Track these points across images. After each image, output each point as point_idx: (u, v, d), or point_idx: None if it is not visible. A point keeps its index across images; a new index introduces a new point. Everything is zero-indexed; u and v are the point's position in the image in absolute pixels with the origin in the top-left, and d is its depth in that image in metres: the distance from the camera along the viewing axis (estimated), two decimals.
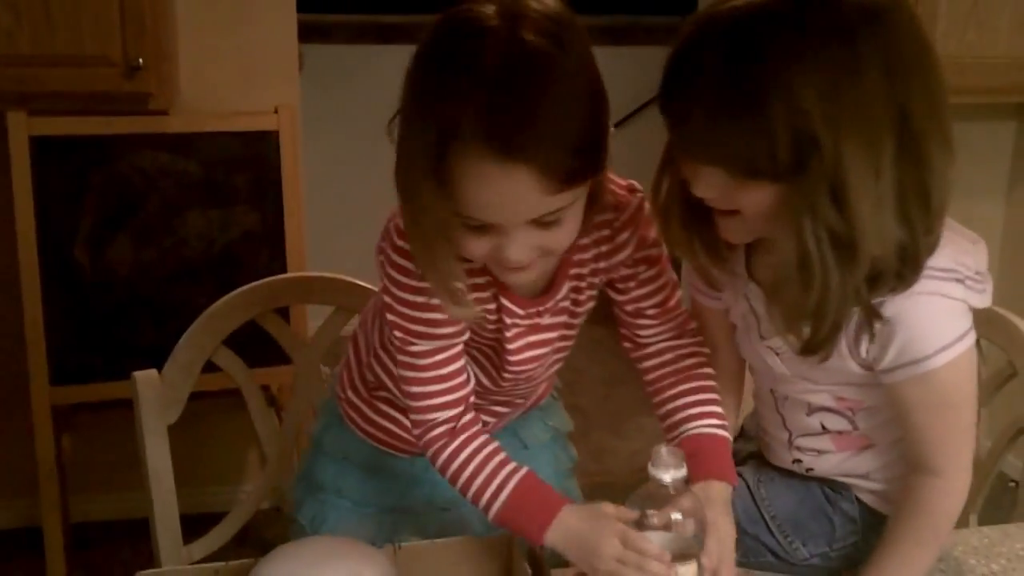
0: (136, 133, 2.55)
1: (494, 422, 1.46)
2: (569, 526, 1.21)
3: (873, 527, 1.36)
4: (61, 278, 2.55)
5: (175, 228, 2.58)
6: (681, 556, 1.14)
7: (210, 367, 1.65)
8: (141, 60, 2.35)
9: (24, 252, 2.46)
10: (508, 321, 1.31)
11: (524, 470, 1.28)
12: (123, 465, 2.90)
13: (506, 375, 1.37)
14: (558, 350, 1.41)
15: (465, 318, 1.25)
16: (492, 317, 1.30)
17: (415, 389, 1.29)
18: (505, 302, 1.29)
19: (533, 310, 1.31)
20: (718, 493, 1.26)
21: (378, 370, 1.44)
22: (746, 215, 1.15)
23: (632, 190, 1.31)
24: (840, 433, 1.36)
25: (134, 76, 2.38)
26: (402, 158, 1.12)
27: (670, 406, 1.37)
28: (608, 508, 1.20)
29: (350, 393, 1.50)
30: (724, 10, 1.09)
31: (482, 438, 1.30)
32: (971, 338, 1.19)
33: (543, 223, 1.13)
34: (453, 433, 1.29)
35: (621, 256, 1.32)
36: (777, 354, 1.29)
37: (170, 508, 1.66)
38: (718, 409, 1.33)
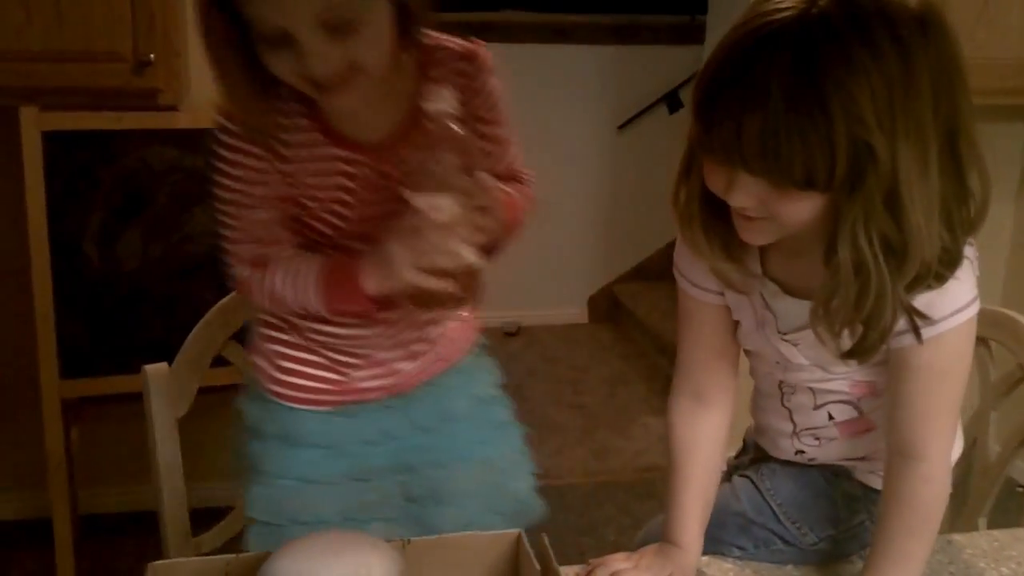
0: (145, 129, 2.55)
1: (395, 356, 1.48)
2: (371, 264, 1.29)
3: (875, 502, 1.37)
4: (71, 272, 2.56)
5: (184, 223, 2.60)
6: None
7: (219, 361, 1.66)
8: (151, 56, 2.37)
9: (35, 246, 2.47)
10: (351, 170, 1.34)
11: (319, 258, 1.36)
12: (131, 458, 2.91)
13: (349, 231, 1.39)
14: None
15: (257, 128, 1.30)
16: (335, 166, 1.34)
17: (232, 235, 1.38)
18: (344, 152, 1.34)
19: (376, 154, 1.34)
20: None
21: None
22: (780, 221, 1.14)
23: (477, 42, 1.40)
24: (845, 421, 1.38)
25: (144, 72, 2.40)
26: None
27: None
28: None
29: (256, 356, 1.52)
30: (778, 20, 1.06)
31: (287, 251, 1.38)
32: (978, 303, 1.21)
33: (336, 28, 1.18)
34: (263, 264, 1.37)
35: (476, 101, 1.40)
36: (795, 345, 1.30)
37: (179, 500, 1.67)
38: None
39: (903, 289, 1.13)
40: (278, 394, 1.50)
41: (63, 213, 2.53)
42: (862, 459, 1.42)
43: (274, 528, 1.49)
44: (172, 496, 1.66)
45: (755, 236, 1.19)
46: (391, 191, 1.35)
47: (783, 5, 1.07)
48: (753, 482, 1.46)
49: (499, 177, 1.46)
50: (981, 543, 1.41)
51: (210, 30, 1.21)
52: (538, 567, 1.17)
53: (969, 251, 1.18)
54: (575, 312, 5.00)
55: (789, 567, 1.36)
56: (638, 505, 3.27)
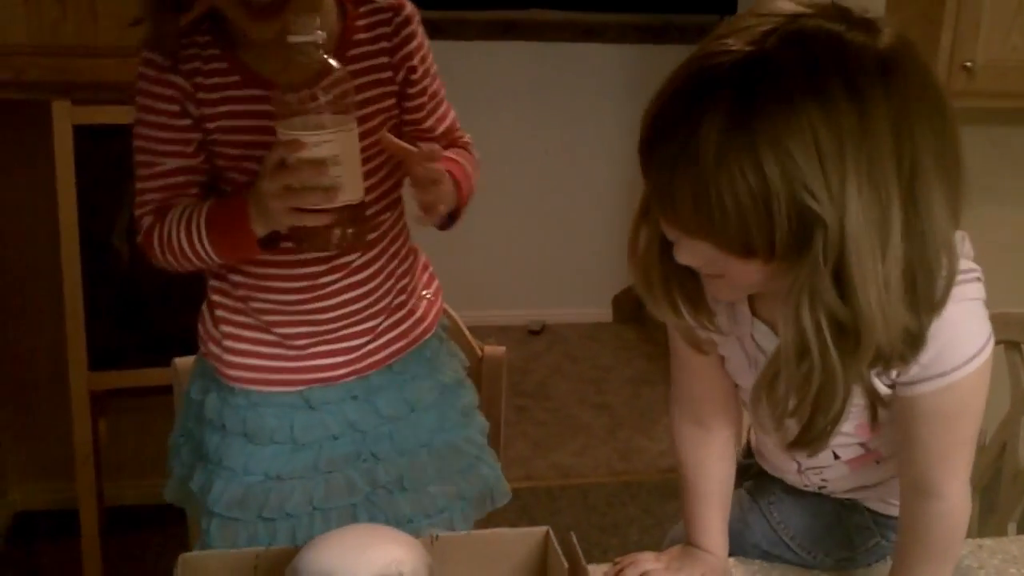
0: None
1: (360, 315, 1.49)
2: (251, 204, 1.29)
3: (889, 527, 1.36)
4: (100, 266, 2.57)
5: None
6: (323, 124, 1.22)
7: None
8: None
9: (66, 239, 2.49)
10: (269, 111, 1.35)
11: (210, 201, 1.37)
12: (158, 451, 2.93)
13: None
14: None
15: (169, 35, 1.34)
16: (254, 108, 1.36)
17: (140, 187, 1.41)
18: (260, 91, 1.35)
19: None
20: None
21: (225, 288, 1.51)
22: (735, 283, 1.06)
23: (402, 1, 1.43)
24: (852, 458, 1.33)
25: None
26: None
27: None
28: None
29: (208, 342, 1.53)
30: (721, 61, 0.96)
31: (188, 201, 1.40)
32: (992, 341, 1.12)
33: None
34: (162, 213, 1.40)
35: (407, 49, 1.43)
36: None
37: None
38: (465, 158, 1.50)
39: (864, 370, 1.03)
40: (234, 379, 1.50)
41: (93, 207, 2.54)
42: (873, 487, 1.38)
43: (238, 523, 1.49)
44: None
45: (721, 294, 1.11)
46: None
47: (730, 42, 0.96)
48: (763, 513, 1.45)
49: (441, 138, 1.50)
50: (1011, 548, 1.40)
51: None
52: (566, 565, 1.17)
53: (976, 289, 1.11)
54: (600, 311, 4.99)
55: (816, 571, 1.35)
56: (662, 505, 3.26)
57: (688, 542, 1.37)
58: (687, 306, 1.13)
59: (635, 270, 1.14)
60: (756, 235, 0.95)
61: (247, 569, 1.17)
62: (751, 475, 1.50)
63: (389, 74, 1.43)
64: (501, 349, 1.72)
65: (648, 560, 1.32)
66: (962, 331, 1.08)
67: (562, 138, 4.71)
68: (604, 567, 1.33)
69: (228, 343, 1.50)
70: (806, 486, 1.42)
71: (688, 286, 1.12)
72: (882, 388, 1.14)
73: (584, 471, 3.53)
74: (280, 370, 1.49)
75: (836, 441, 1.19)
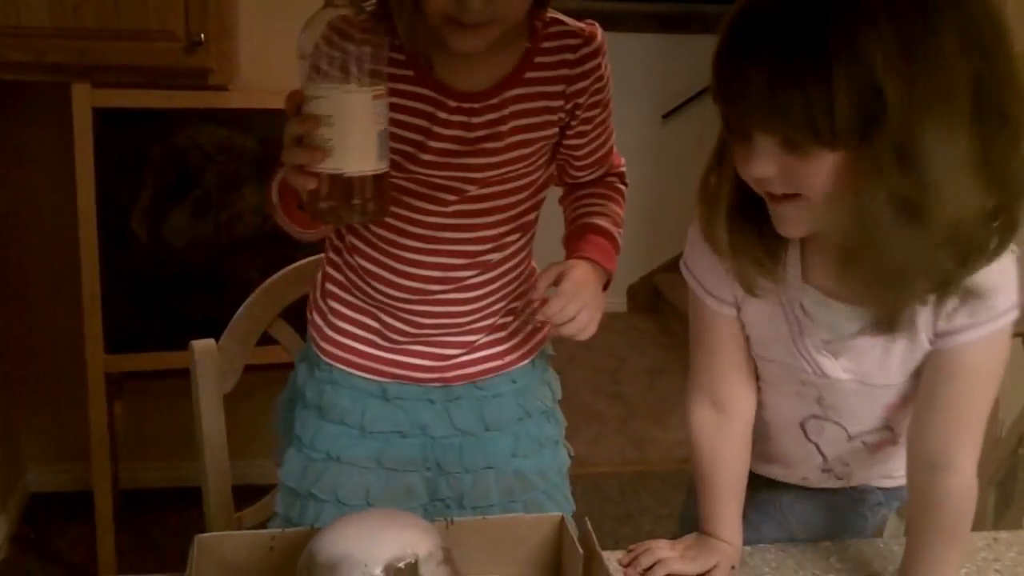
0: (195, 108, 2.58)
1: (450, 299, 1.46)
2: None
3: (895, 496, 1.41)
4: (118, 249, 2.59)
5: (232, 203, 2.62)
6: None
7: (266, 340, 1.67)
8: (202, 36, 2.38)
9: (84, 222, 2.50)
10: (438, 114, 1.35)
11: None
12: (172, 434, 2.96)
13: (420, 175, 1.38)
14: (501, 165, 1.39)
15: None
16: (418, 106, 1.34)
17: None
18: (431, 92, 1.34)
19: (467, 105, 1.34)
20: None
21: (340, 266, 1.49)
22: (807, 197, 1.08)
23: (594, 25, 1.41)
24: (879, 442, 1.37)
25: (195, 51, 2.42)
26: None
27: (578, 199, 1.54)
28: None
29: (314, 312, 1.53)
30: None
31: None
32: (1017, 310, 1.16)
33: None
34: None
35: (584, 83, 1.39)
36: (836, 358, 1.25)
37: (223, 476, 1.68)
38: (613, 210, 1.51)
39: (954, 263, 1.07)
40: (326, 352, 1.50)
41: (112, 190, 2.55)
42: (888, 476, 1.44)
43: (298, 498, 1.50)
44: (216, 471, 1.67)
45: (790, 224, 1.13)
46: (466, 144, 1.36)
47: None
48: (776, 521, 1.46)
49: (590, 167, 1.50)
50: None
51: None
52: (581, 551, 1.17)
53: (1014, 256, 1.14)
54: (614, 301, 4.98)
55: (833, 559, 1.35)
56: (675, 495, 3.26)
57: (702, 531, 1.36)
58: (747, 252, 1.18)
59: (701, 211, 1.20)
60: (820, 115, 0.99)
61: (262, 551, 1.17)
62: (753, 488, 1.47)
63: (560, 103, 1.40)
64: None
65: (663, 548, 1.32)
66: (1007, 280, 1.13)
67: None
68: (618, 554, 1.33)
69: (331, 317, 1.50)
70: (827, 471, 1.42)
71: (752, 236, 1.17)
72: (923, 344, 1.18)
73: (598, 460, 3.54)
74: (370, 357, 1.49)
75: (865, 428, 1.32)
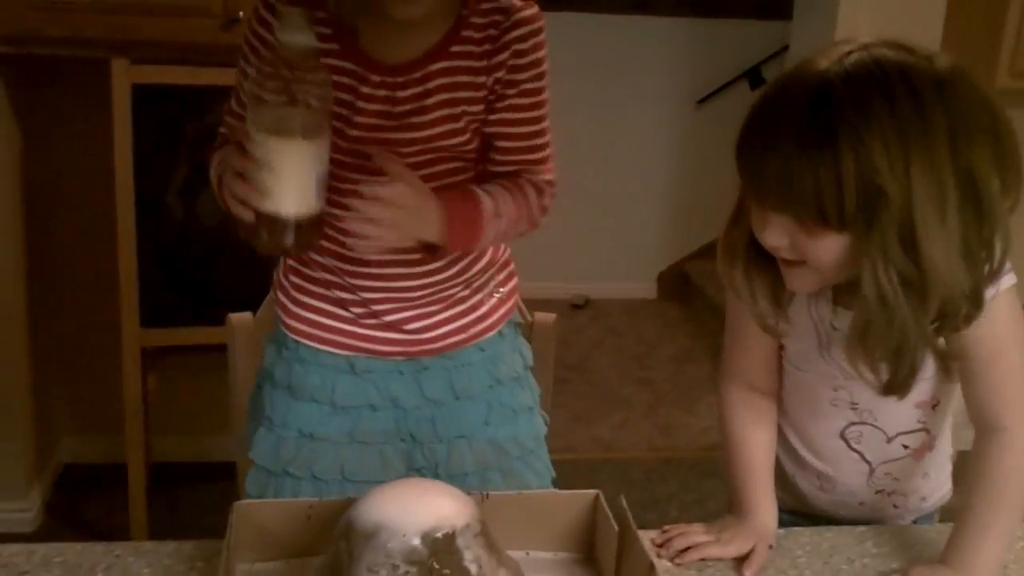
0: (231, 85, 2.58)
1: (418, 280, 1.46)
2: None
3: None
4: (154, 224, 2.61)
5: None
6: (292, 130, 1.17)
7: None
8: (240, 13, 2.40)
9: (121, 197, 2.52)
10: (362, 89, 1.34)
11: (232, 150, 1.31)
12: (205, 410, 2.98)
13: (350, 150, 1.38)
14: (430, 140, 1.38)
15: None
16: (343, 80, 1.34)
17: (227, 110, 1.45)
18: (354, 67, 1.33)
19: (390, 79, 1.33)
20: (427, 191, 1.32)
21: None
22: (814, 266, 1.20)
23: (529, 4, 1.37)
24: (917, 450, 1.42)
25: (232, 28, 2.44)
26: None
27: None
28: None
29: (278, 290, 1.54)
30: (807, 70, 1.15)
31: None
32: (1013, 273, 1.26)
33: None
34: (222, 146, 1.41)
35: (503, 56, 1.36)
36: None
37: None
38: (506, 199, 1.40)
39: (931, 330, 1.18)
40: (292, 328, 1.50)
41: (149, 165, 2.57)
42: (923, 476, 1.47)
43: (271, 476, 1.50)
44: (249, 440, 1.68)
45: (799, 284, 1.25)
46: (393, 118, 1.36)
47: (816, 61, 1.16)
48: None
49: (506, 163, 1.43)
50: None
51: None
52: (616, 528, 1.17)
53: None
54: (644, 287, 4.98)
55: (868, 544, 1.35)
56: (701, 483, 3.26)
57: (737, 514, 1.37)
58: (764, 297, 1.29)
59: (722, 259, 1.30)
60: (830, 204, 1.11)
61: (300, 519, 1.18)
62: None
63: (483, 78, 1.37)
64: (552, 316, 1.72)
65: (698, 532, 1.33)
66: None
67: (611, 112, 4.69)
68: (652, 533, 1.33)
69: (293, 293, 1.51)
70: (879, 492, 1.45)
71: (767, 282, 1.29)
72: (941, 342, 1.25)
73: (624, 446, 3.54)
74: (334, 330, 1.49)
75: (902, 429, 1.39)
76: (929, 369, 1.29)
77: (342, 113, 1.35)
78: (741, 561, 1.29)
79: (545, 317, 1.71)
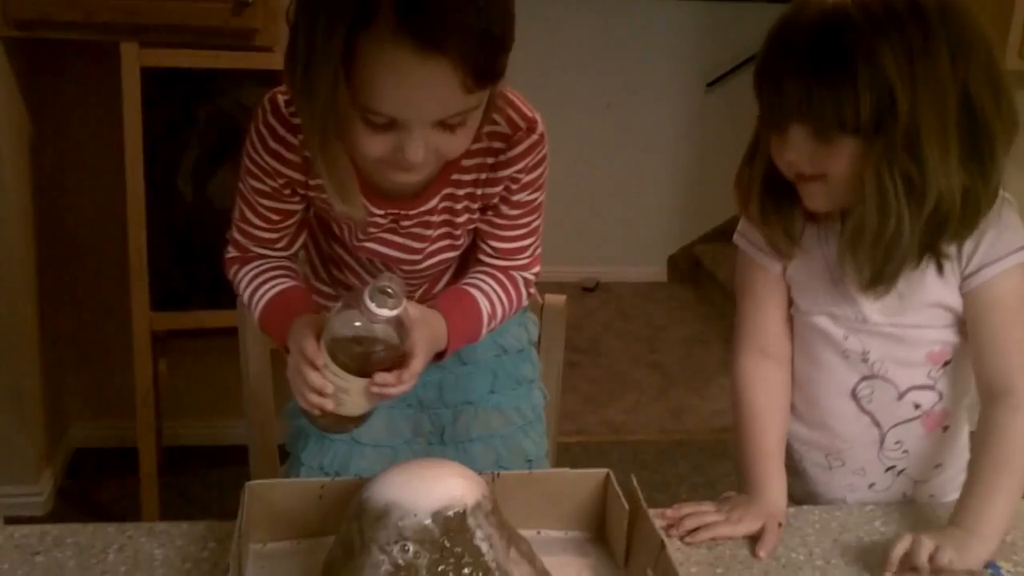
0: (241, 68, 2.58)
1: None
2: (295, 326, 1.26)
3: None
4: (164, 208, 2.61)
5: None
6: (360, 369, 1.19)
7: None
8: None
9: (131, 181, 2.52)
10: (368, 219, 1.35)
11: (284, 285, 1.39)
12: (216, 393, 2.99)
13: (356, 267, 1.45)
14: (430, 255, 1.42)
15: (351, 216, 1.29)
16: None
17: (238, 214, 1.41)
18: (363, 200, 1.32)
19: (393, 211, 1.33)
20: (436, 323, 1.31)
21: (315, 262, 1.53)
22: (830, 178, 1.28)
23: (531, 128, 1.34)
24: (928, 413, 1.43)
25: (242, 12, 2.44)
26: (301, 48, 1.12)
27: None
28: (322, 320, 1.23)
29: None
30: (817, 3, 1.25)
31: (269, 264, 1.42)
32: None
33: (447, 124, 1.16)
34: (246, 260, 1.43)
35: (496, 188, 1.37)
36: (873, 301, 1.38)
37: (268, 430, 1.70)
38: (488, 285, 1.42)
39: (931, 234, 1.28)
40: None
41: (159, 149, 2.57)
42: (936, 469, 1.47)
43: (300, 434, 1.55)
44: (262, 427, 1.69)
45: (816, 200, 1.33)
46: (398, 234, 1.38)
47: None
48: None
49: (496, 252, 1.44)
50: None
51: (328, 104, 1.14)
52: (627, 506, 1.17)
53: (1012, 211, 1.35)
54: (654, 270, 4.98)
55: (877, 522, 1.35)
56: (712, 465, 3.26)
57: (745, 489, 1.37)
58: (780, 227, 1.39)
59: (738, 195, 1.40)
60: (847, 111, 1.21)
61: (312, 498, 1.19)
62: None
63: (480, 191, 1.38)
64: (562, 298, 1.72)
65: (708, 512, 1.33)
66: (1012, 222, 1.34)
67: (621, 95, 4.68)
68: (665, 511, 1.33)
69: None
70: (890, 469, 1.46)
71: (781, 217, 1.38)
72: (953, 288, 1.35)
73: (635, 428, 3.54)
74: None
75: (914, 383, 1.41)
76: (941, 318, 1.37)
77: (346, 226, 1.37)
78: (751, 539, 1.29)
79: (555, 299, 1.71)
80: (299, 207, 1.39)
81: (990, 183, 1.29)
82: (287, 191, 1.35)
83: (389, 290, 1.14)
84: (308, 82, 1.12)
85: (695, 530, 1.30)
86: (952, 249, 1.32)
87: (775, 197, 1.37)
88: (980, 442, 1.34)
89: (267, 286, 1.40)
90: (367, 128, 1.15)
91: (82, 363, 3.05)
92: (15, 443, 2.76)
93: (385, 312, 1.14)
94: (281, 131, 1.30)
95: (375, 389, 1.19)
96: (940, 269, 1.33)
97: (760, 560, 1.26)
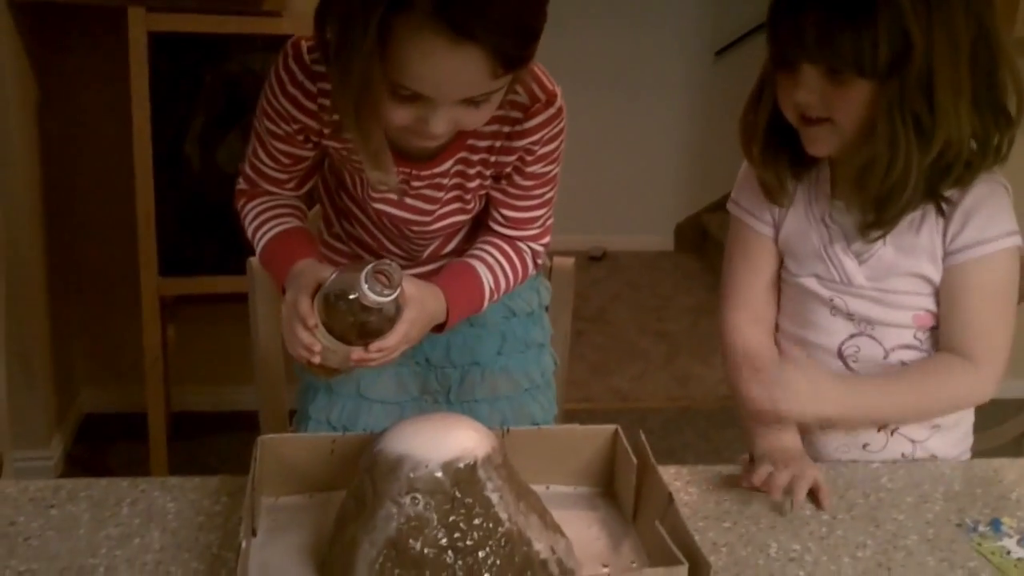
0: (249, 34, 2.58)
1: None
2: (295, 270, 1.29)
3: None
4: (171, 173, 2.61)
5: None
6: (349, 337, 1.20)
7: None
8: None
9: (138, 146, 2.52)
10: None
11: (288, 225, 1.40)
12: (225, 358, 3.00)
13: (367, 223, 1.46)
14: (440, 217, 1.42)
15: (385, 184, 1.30)
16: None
17: (251, 150, 1.42)
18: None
19: (405, 171, 1.34)
20: (432, 300, 1.32)
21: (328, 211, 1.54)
22: (836, 121, 1.31)
23: (550, 101, 1.34)
24: None
25: None
26: (336, 22, 1.16)
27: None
28: (321, 272, 1.23)
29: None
30: None
31: (276, 201, 1.43)
32: (1019, 238, 1.37)
33: (472, 101, 1.18)
34: (254, 195, 1.44)
35: (511, 158, 1.37)
36: (859, 263, 1.41)
37: (278, 394, 1.71)
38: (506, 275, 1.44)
39: (936, 178, 1.31)
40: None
41: (166, 115, 2.57)
42: (935, 427, 1.47)
43: (309, 388, 1.57)
44: (271, 388, 1.70)
45: (819, 143, 1.35)
46: (407, 195, 1.38)
47: None
48: None
49: (506, 220, 1.45)
50: None
51: (362, 76, 1.15)
52: (635, 461, 1.18)
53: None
54: (662, 240, 4.97)
55: (884, 479, 1.36)
56: (718, 432, 3.27)
57: (760, 450, 1.38)
58: (777, 170, 1.42)
59: (742, 137, 1.43)
60: (866, 52, 1.23)
61: (324, 453, 1.20)
62: None
63: (494, 159, 1.38)
64: (570, 260, 1.73)
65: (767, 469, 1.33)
66: (1000, 207, 1.36)
67: (629, 63, 4.66)
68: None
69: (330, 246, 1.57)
70: (882, 428, 1.46)
71: (778, 167, 1.42)
72: (936, 259, 1.37)
73: (641, 396, 3.55)
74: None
75: (898, 342, 1.42)
76: (923, 287, 1.39)
77: (364, 177, 1.36)
78: (757, 492, 1.30)
79: (564, 262, 1.72)
80: (311, 153, 1.39)
81: (995, 135, 1.31)
82: (300, 137, 1.36)
83: (385, 276, 1.15)
84: (343, 57, 1.15)
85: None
86: (952, 193, 1.34)
87: (775, 149, 1.41)
88: (917, 363, 1.41)
89: (271, 224, 1.41)
90: (393, 98, 1.17)
91: (91, 329, 3.06)
92: (25, 408, 2.77)
93: (379, 299, 1.15)
94: (300, 76, 1.30)
95: (355, 358, 1.22)
96: (941, 213, 1.35)
97: (823, 511, 1.28)
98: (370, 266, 1.15)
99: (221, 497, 1.25)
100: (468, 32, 1.08)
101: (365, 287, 1.14)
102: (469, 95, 1.17)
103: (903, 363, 1.43)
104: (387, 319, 1.20)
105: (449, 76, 1.13)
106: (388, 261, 1.18)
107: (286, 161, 1.40)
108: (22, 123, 2.65)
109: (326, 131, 1.34)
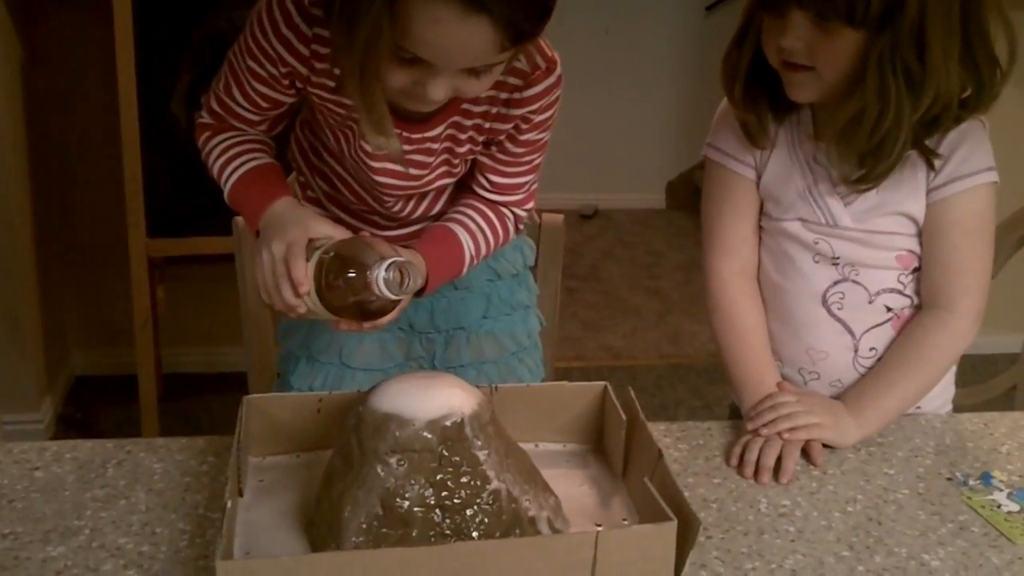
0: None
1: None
2: (275, 212, 1.26)
3: None
4: (158, 133, 2.58)
5: None
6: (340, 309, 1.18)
7: None
8: None
9: (125, 106, 2.50)
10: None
11: (263, 160, 1.36)
12: (215, 319, 2.99)
13: (351, 183, 1.43)
14: (428, 182, 1.40)
15: (385, 148, 1.26)
16: (348, 120, 1.32)
17: (223, 86, 1.37)
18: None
19: (396, 132, 1.30)
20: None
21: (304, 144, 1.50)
22: (821, 69, 1.29)
23: (550, 69, 1.32)
24: (899, 316, 1.42)
25: None
26: None
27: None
28: (334, 230, 1.22)
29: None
30: None
31: (244, 136, 1.39)
32: (996, 174, 1.37)
33: (474, 72, 1.16)
34: (220, 129, 1.39)
35: (506, 126, 1.35)
36: (845, 204, 1.40)
37: (266, 354, 1.70)
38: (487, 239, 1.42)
39: (923, 131, 1.30)
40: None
41: (152, 73, 2.54)
42: None
43: (290, 355, 1.57)
44: (259, 347, 1.69)
45: (801, 90, 1.33)
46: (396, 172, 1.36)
47: None
48: None
49: (492, 185, 1.43)
50: None
51: (367, 36, 1.12)
52: (624, 417, 1.18)
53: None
54: (653, 197, 4.96)
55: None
56: (710, 388, 3.28)
57: (750, 402, 1.39)
58: (755, 105, 1.40)
59: (724, 78, 1.42)
60: (859, 4, 1.21)
61: (310, 412, 1.19)
62: None
63: (488, 125, 1.36)
64: (559, 217, 1.71)
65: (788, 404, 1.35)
66: (982, 141, 1.36)
67: (618, 19, 4.63)
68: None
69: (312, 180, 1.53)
70: (857, 368, 1.45)
71: (758, 110, 1.40)
72: (920, 198, 1.37)
73: (634, 353, 3.55)
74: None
75: (884, 286, 1.42)
76: (908, 227, 1.38)
77: (348, 134, 1.34)
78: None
79: (553, 218, 1.70)
80: (291, 99, 1.35)
81: (986, 88, 1.30)
82: (286, 81, 1.31)
83: (403, 273, 1.14)
84: (350, 12, 1.11)
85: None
86: (923, 170, 1.34)
87: (760, 81, 1.38)
88: (902, 338, 1.40)
89: (241, 159, 1.36)
90: (393, 60, 1.14)
91: (80, 291, 3.05)
92: (15, 371, 2.77)
93: (390, 295, 1.14)
94: (296, 18, 1.25)
95: (342, 328, 1.21)
96: (930, 166, 1.34)
97: (813, 466, 1.29)
98: (391, 260, 1.13)
99: (207, 457, 1.24)
100: (480, 3, 1.06)
101: (381, 280, 1.12)
102: (472, 65, 1.15)
103: (888, 308, 1.41)
104: (389, 303, 1.18)
105: (455, 45, 1.11)
106: (409, 260, 1.16)
107: (263, 104, 1.34)
108: (6, 83, 2.62)
109: (314, 79, 1.29)
